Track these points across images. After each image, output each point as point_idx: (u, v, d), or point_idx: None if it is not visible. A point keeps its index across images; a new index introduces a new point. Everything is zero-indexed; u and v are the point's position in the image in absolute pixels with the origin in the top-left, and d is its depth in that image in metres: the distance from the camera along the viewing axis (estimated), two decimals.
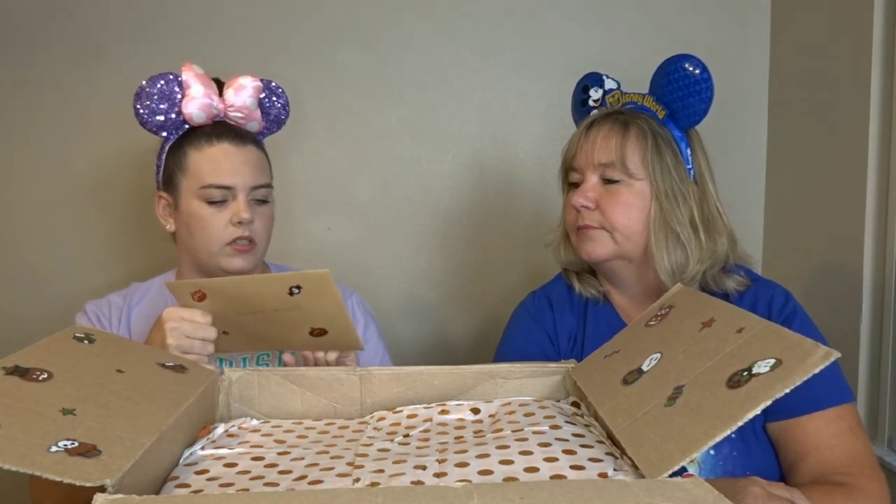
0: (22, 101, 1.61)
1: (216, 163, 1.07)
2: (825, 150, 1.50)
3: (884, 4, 1.33)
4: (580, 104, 1.14)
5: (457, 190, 1.67)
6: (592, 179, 1.04)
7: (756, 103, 1.70)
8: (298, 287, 0.89)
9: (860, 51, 1.37)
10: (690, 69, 1.03)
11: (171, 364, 0.74)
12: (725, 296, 1.04)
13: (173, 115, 1.09)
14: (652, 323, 0.75)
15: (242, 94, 1.10)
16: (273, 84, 1.17)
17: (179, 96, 1.09)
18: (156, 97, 1.08)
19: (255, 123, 1.13)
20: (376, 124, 1.65)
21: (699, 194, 1.05)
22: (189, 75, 1.08)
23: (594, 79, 1.13)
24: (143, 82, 1.08)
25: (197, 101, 1.08)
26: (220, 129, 1.10)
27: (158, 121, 1.09)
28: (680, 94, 1.04)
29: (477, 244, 1.69)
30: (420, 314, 1.71)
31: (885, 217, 1.34)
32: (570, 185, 1.09)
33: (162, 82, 1.08)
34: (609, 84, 1.12)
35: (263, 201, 1.12)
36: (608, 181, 1.03)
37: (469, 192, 1.68)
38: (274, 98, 1.17)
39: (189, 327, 0.92)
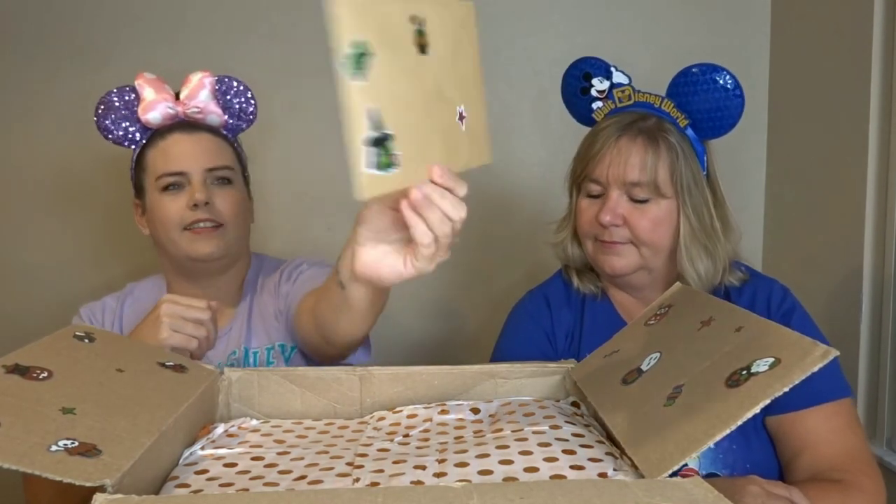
0: (20, 101, 1.61)
1: (167, 152, 1.08)
2: (825, 150, 1.50)
3: (884, 4, 1.33)
4: (579, 92, 1.09)
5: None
6: (617, 195, 1.01)
7: (756, 103, 1.70)
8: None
9: (860, 51, 1.37)
10: (723, 83, 1.00)
11: (171, 364, 0.74)
12: (725, 290, 1.04)
13: (133, 125, 1.10)
14: (651, 322, 0.75)
15: (195, 91, 1.10)
16: (231, 79, 1.15)
17: (137, 106, 1.10)
18: (114, 111, 1.10)
19: (214, 117, 1.12)
20: None
21: (714, 199, 1.04)
22: (140, 83, 1.09)
23: (598, 66, 1.07)
24: (101, 98, 1.10)
25: (151, 106, 1.08)
26: (174, 124, 1.10)
27: (120, 133, 1.10)
28: (708, 106, 1.01)
29: (476, 243, 1.69)
30: (419, 313, 1.71)
31: (884, 217, 1.34)
32: (587, 195, 1.05)
33: (118, 95, 1.10)
34: (619, 77, 1.07)
35: (226, 183, 1.10)
36: (635, 199, 1.01)
37: (474, 190, 1.67)
38: (233, 92, 1.14)
39: (182, 308, 0.93)
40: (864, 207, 1.36)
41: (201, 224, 1.06)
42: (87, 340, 0.71)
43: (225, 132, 1.15)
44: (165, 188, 1.07)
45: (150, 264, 1.39)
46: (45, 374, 0.60)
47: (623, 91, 1.06)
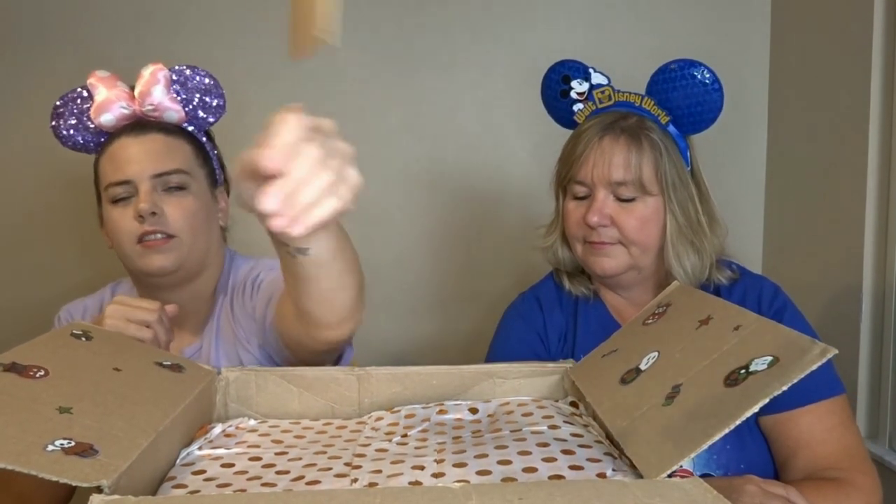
0: (10, 99, 1.61)
1: (114, 159, 1.00)
2: (825, 150, 1.50)
3: (884, 4, 1.33)
4: (559, 95, 1.09)
5: (455, 191, 1.67)
6: (604, 195, 1.01)
7: (756, 104, 1.70)
8: None
9: (860, 51, 1.37)
10: (701, 78, 1.00)
11: (168, 363, 0.74)
12: (715, 288, 1.04)
13: (89, 130, 1.03)
14: (649, 321, 0.75)
15: (148, 86, 1.01)
16: (191, 69, 1.04)
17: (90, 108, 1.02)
18: (69, 116, 1.03)
19: (172, 114, 1.03)
20: (376, 125, 1.65)
21: (699, 194, 1.05)
22: (92, 82, 1.02)
23: (577, 69, 1.08)
24: (56, 101, 1.03)
25: (104, 107, 1.00)
26: (124, 126, 1.02)
27: (79, 140, 1.04)
28: (688, 101, 1.02)
29: (473, 244, 1.69)
30: (415, 314, 1.71)
31: (885, 217, 1.34)
32: (573, 197, 1.05)
33: (71, 98, 1.03)
34: (598, 78, 1.07)
35: (179, 188, 1.01)
36: (621, 198, 1.01)
37: (466, 193, 1.68)
38: (192, 84, 1.04)
39: (128, 310, 0.87)
40: (864, 207, 1.36)
41: (152, 237, 0.99)
42: (84, 339, 0.70)
43: (189, 128, 1.06)
44: (114, 199, 1.00)
45: None
46: (42, 373, 0.60)
47: (603, 92, 1.07)
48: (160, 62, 1.04)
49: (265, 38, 1.62)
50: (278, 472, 0.61)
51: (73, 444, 0.51)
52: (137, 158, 0.99)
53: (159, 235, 0.99)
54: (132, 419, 0.59)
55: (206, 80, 1.05)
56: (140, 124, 1.02)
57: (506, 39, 1.65)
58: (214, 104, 1.06)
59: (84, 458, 0.50)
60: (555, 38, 1.65)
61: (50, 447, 0.50)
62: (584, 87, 1.07)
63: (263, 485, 0.58)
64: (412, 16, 1.64)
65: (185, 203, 1.01)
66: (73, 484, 0.47)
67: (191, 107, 1.05)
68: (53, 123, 1.04)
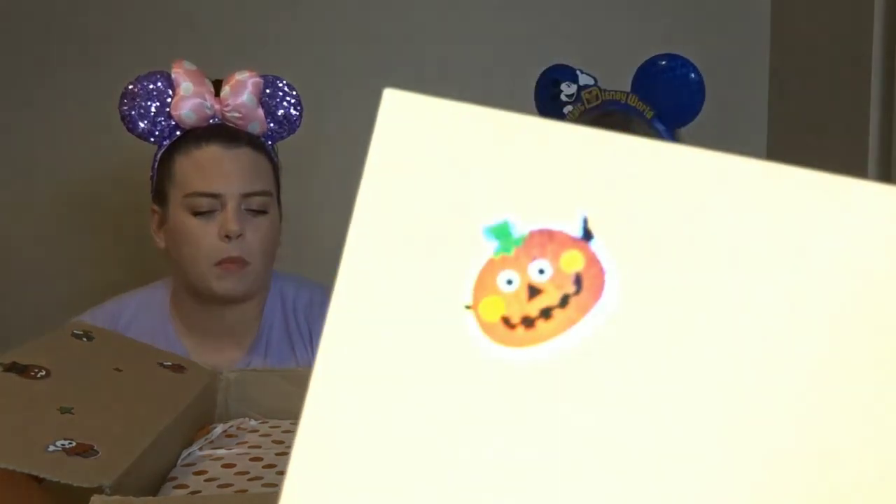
0: (22, 101, 1.61)
1: (202, 167, 0.95)
2: (826, 149, 1.50)
3: (884, 4, 1.33)
4: (550, 99, 1.10)
5: None
6: None
7: (756, 104, 1.70)
8: None
9: (860, 50, 1.37)
10: (679, 69, 1.03)
11: (169, 364, 0.74)
12: None
13: (164, 119, 0.97)
14: None
15: (239, 92, 0.97)
16: (280, 81, 1.02)
17: (170, 97, 0.97)
18: (143, 99, 0.97)
19: (256, 124, 0.99)
20: (371, 124, 1.65)
21: None
22: (178, 72, 0.96)
23: (565, 72, 1.09)
24: (129, 83, 0.98)
25: (186, 101, 0.96)
26: (211, 130, 0.97)
27: (146, 125, 0.97)
28: (669, 94, 1.04)
29: None
30: None
31: None
32: None
33: (150, 83, 0.97)
34: (584, 79, 1.08)
35: (260, 212, 0.98)
36: None
37: None
38: (280, 96, 1.02)
39: None
40: None
41: (230, 262, 0.96)
42: (85, 339, 0.70)
43: (264, 140, 1.03)
44: (196, 211, 0.95)
45: (154, 269, 1.39)
46: (44, 373, 0.60)
47: (591, 92, 1.08)
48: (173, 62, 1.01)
49: (264, 40, 1.62)
50: (279, 473, 0.61)
51: (74, 444, 0.51)
52: (230, 174, 0.96)
53: (237, 261, 0.96)
54: (133, 419, 0.59)
55: (291, 93, 1.03)
56: (229, 133, 0.98)
57: (508, 36, 1.65)
58: (294, 118, 1.03)
59: (85, 459, 0.50)
60: (557, 35, 1.65)
61: (51, 447, 0.50)
62: (573, 89, 1.09)
63: (265, 485, 0.58)
64: (416, 12, 1.64)
65: (263, 227, 0.99)
66: (75, 485, 0.47)
67: (272, 119, 1.02)
68: (125, 102, 0.98)
